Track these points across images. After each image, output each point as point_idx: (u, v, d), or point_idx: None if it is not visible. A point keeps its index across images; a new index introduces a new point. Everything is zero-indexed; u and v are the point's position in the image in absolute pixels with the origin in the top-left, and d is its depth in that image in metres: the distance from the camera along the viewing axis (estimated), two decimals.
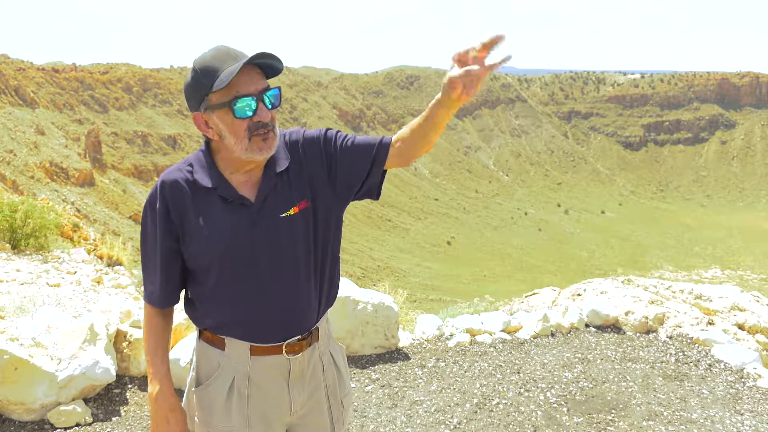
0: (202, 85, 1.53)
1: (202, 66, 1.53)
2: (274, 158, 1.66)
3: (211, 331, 1.69)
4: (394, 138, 1.72)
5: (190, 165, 1.65)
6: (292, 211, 1.64)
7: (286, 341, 1.68)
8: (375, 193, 1.76)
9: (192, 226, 1.61)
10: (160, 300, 1.70)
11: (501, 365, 4.39)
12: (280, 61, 1.57)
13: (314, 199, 1.68)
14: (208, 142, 1.68)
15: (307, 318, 1.71)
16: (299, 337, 1.70)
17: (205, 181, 1.62)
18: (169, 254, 1.64)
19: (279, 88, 1.60)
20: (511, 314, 5.52)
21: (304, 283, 1.68)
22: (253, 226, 1.61)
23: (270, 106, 1.58)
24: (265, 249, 1.62)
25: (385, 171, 1.72)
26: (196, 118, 1.60)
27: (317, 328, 1.76)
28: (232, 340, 1.67)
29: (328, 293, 1.78)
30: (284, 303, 1.66)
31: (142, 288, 1.75)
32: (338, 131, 1.74)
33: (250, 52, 1.55)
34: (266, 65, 1.58)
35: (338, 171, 1.70)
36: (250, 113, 1.54)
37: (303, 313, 1.69)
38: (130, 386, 3.78)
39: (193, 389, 1.73)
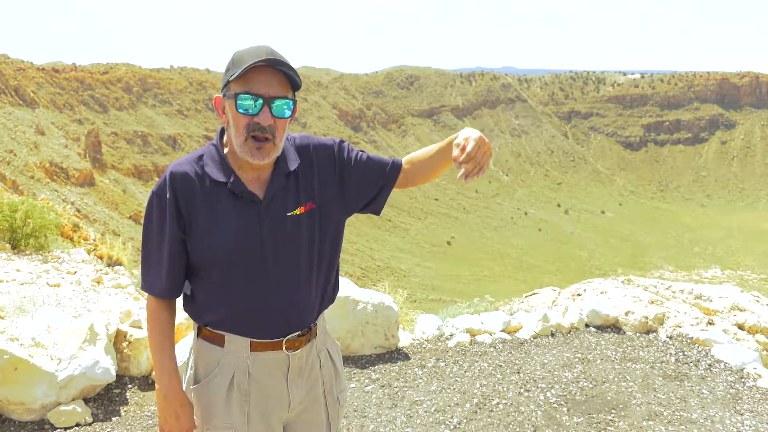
0: (228, 71, 1.59)
1: (236, 55, 1.59)
2: (285, 158, 1.69)
3: (210, 327, 1.70)
4: (404, 160, 1.82)
5: (201, 158, 1.67)
6: (298, 211, 1.67)
7: (286, 337, 1.70)
8: (379, 210, 1.84)
9: (200, 220, 1.62)
10: (165, 291, 1.69)
11: (501, 365, 4.39)
12: (292, 70, 1.59)
13: (321, 203, 1.72)
14: (221, 135, 1.71)
15: (308, 315, 1.73)
16: (299, 333, 1.72)
17: (217, 175, 1.64)
18: (176, 244, 1.65)
19: (293, 102, 1.61)
20: (511, 314, 5.52)
21: (306, 281, 1.70)
22: (261, 223, 1.63)
23: (276, 114, 1.58)
24: (271, 246, 1.64)
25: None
26: (216, 99, 1.64)
27: (315, 324, 1.78)
28: (232, 336, 1.68)
29: (329, 292, 1.81)
30: (287, 299, 1.68)
31: (141, 279, 1.74)
32: (349, 144, 1.81)
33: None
34: (292, 78, 1.59)
35: (350, 184, 1.76)
36: (249, 111, 1.56)
37: (304, 310, 1.72)
38: (130, 386, 3.78)
39: (191, 387, 1.74)
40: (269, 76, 1.56)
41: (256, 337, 1.68)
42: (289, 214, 1.66)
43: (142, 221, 1.78)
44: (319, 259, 1.72)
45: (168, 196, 1.62)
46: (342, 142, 1.80)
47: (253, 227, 1.63)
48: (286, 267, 1.66)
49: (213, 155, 1.67)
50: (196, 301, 1.72)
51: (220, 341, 1.69)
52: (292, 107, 1.61)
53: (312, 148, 1.75)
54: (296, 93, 1.65)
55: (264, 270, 1.64)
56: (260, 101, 1.55)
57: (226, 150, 1.67)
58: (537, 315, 5.21)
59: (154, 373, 1.78)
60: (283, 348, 1.70)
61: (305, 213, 1.68)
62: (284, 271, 1.66)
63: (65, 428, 3.31)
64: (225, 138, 1.69)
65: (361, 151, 1.80)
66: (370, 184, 1.78)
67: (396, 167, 1.80)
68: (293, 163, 1.69)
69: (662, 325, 5.20)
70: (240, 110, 1.56)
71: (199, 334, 1.74)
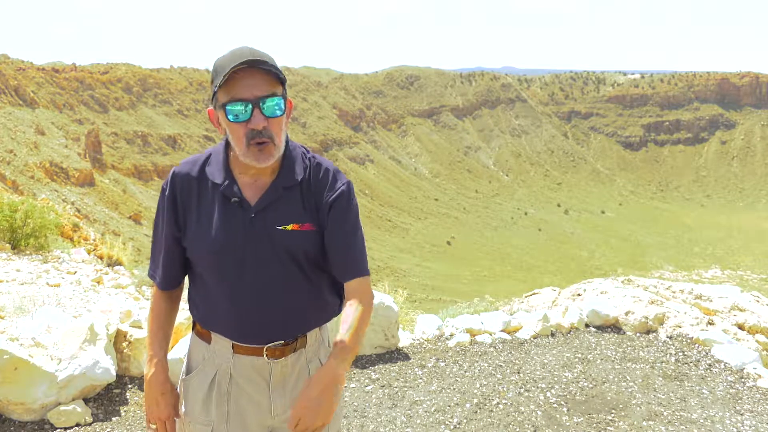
0: (213, 82, 1.56)
1: (216, 64, 1.55)
2: (290, 170, 1.65)
3: (200, 324, 1.74)
4: (347, 296, 1.69)
5: (209, 157, 1.69)
6: (291, 227, 1.63)
7: (267, 345, 1.68)
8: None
9: (192, 220, 1.66)
10: (160, 281, 1.76)
11: (501, 365, 4.39)
12: (274, 66, 1.54)
13: (319, 228, 1.67)
14: None
15: (291, 326, 1.70)
16: (282, 342, 1.69)
17: (215, 176, 1.65)
18: (170, 240, 1.70)
19: (282, 97, 1.56)
20: (511, 314, 5.52)
21: (289, 293, 1.66)
22: (246, 229, 1.62)
23: (267, 114, 1.54)
24: (254, 254, 1.62)
25: None
26: (210, 113, 1.63)
27: (305, 335, 1.74)
28: (217, 336, 1.71)
29: (321, 306, 1.76)
30: (266, 307, 1.65)
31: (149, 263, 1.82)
32: (350, 207, 1.69)
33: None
34: (276, 74, 1.55)
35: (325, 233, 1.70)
36: (241, 118, 1.53)
37: (286, 321, 1.68)
38: (130, 386, 3.78)
39: (181, 378, 1.78)
40: (252, 77, 1.52)
41: (235, 340, 1.68)
42: (279, 227, 1.62)
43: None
44: (306, 276, 1.68)
45: (168, 193, 1.68)
46: (348, 195, 1.69)
47: (236, 232, 1.61)
48: (269, 276, 1.63)
49: (218, 156, 1.68)
50: (190, 296, 1.77)
51: (208, 338, 1.73)
52: (283, 104, 1.57)
53: (328, 181, 1.69)
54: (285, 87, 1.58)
55: (242, 276, 1.63)
56: (249, 106, 1.52)
57: (232, 152, 1.66)
58: (537, 315, 5.21)
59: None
60: (264, 355, 1.68)
61: (300, 231, 1.63)
62: (266, 279, 1.63)
63: (65, 428, 3.31)
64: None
65: (349, 229, 1.68)
66: (330, 256, 1.68)
67: (342, 284, 1.70)
68: (295, 179, 1.65)
69: (662, 325, 5.20)
70: (231, 118, 1.53)
71: (194, 327, 1.78)
